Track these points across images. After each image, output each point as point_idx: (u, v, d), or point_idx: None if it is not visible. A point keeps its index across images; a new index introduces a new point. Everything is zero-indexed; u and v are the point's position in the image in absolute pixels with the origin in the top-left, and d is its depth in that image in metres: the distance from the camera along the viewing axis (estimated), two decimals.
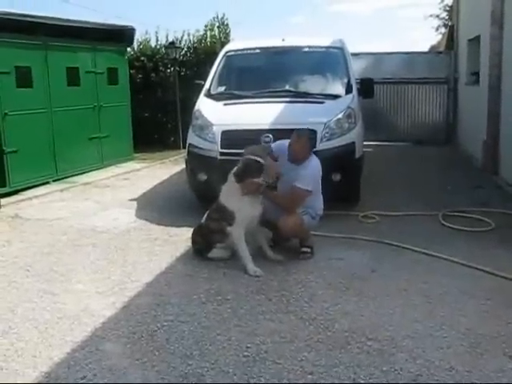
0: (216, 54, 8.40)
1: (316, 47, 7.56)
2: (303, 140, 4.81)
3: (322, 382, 2.89)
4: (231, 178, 4.68)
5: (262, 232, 4.90)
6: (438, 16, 26.98)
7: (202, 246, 4.84)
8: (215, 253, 4.77)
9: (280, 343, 3.30)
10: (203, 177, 6.17)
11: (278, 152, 4.89)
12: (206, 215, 4.87)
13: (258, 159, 4.55)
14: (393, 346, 3.24)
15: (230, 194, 4.67)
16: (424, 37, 53.43)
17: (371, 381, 2.89)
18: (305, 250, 4.87)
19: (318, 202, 4.95)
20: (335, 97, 6.67)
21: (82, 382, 2.93)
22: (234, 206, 4.60)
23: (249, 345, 3.28)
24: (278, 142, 5.11)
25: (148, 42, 13.46)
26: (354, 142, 6.22)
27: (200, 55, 13.02)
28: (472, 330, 3.42)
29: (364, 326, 3.51)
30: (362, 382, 2.88)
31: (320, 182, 4.89)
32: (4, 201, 7.11)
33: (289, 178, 4.65)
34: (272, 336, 3.39)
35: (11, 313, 3.83)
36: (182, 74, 13.00)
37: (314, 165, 4.82)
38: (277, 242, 5.09)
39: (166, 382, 2.92)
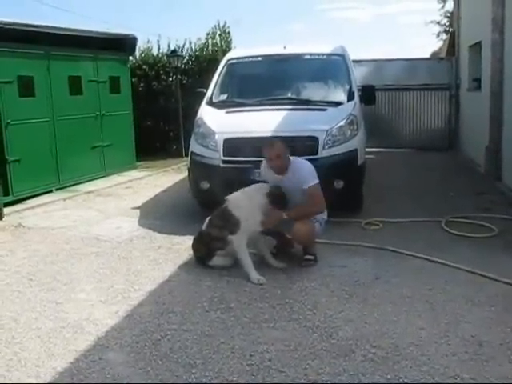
0: (218, 62, 8.44)
1: (317, 54, 7.57)
2: (275, 148, 4.74)
3: None
4: (261, 195, 4.66)
5: (263, 240, 4.90)
6: (438, 22, 27.21)
7: (203, 254, 4.82)
8: (216, 261, 4.75)
9: (284, 351, 3.29)
10: (206, 185, 6.18)
11: (265, 173, 4.95)
12: (207, 222, 4.85)
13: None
14: (397, 354, 3.22)
15: (242, 203, 4.65)
16: (425, 43, 53.61)
17: None
18: (308, 257, 4.86)
19: None
20: (337, 104, 6.68)
21: None
22: (241, 215, 4.59)
23: (252, 353, 3.27)
24: (262, 165, 5.05)
25: (150, 50, 13.54)
26: (356, 149, 6.22)
27: (202, 63, 13.09)
28: (476, 337, 3.40)
29: (368, 333, 3.50)
30: None
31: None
32: (7, 210, 7.11)
33: (285, 190, 4.69)
34: (276, 344, 3.38)
35: (14, 322, 3.83)
36: (184, 82, 13.07)
37: (304, 166, 4.80)
38: (280, 250, 5.08)
39: None
